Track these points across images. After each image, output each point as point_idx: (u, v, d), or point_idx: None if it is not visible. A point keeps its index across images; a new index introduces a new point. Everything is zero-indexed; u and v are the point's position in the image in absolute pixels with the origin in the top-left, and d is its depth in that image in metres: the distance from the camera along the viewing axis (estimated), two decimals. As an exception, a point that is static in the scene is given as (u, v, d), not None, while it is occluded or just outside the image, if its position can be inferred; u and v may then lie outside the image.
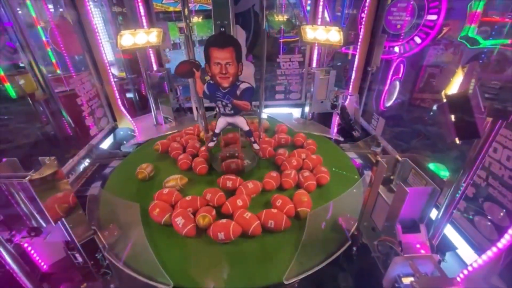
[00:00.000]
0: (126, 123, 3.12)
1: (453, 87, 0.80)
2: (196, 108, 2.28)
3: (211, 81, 1.69)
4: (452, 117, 0.77)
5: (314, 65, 2.96)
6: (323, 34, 2.45)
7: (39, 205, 1.14)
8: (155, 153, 2.37)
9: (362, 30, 2.85)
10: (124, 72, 3.62)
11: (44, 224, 1.23)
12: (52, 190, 1.21)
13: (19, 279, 1.26)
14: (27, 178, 1.08)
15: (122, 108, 3.01)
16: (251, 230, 1.50)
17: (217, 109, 1.85)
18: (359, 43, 2.88)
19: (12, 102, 3.28)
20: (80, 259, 1.44)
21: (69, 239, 1.35)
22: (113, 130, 3.08)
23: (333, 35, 2.41)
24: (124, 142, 2.80)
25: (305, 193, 1.77)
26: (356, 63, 2.92)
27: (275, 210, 1.62)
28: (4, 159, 1.21)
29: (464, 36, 4.36)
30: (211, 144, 2.03)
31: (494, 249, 1.27)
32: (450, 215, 1.19)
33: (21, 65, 2.86)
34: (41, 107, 2.86)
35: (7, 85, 2.62)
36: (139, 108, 3.59)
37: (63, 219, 1.26)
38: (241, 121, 1.88)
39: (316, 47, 2.91)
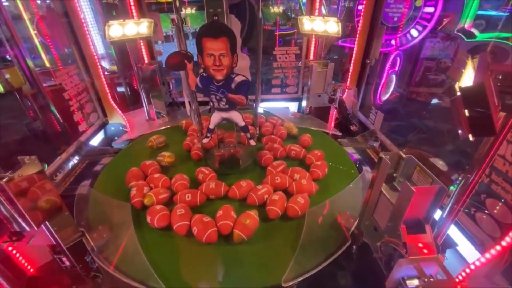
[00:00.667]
0: (118, 118, 3.01)
1: (465, 79, 0.74)
2: (189, 102, 2.19)
3: (204, 74, 1.60)
4: (466, 112, 0.71)
5: (311, 57, 2.88)
6: (321, 25, 2.37)
7: (19, 209, 1.06)
8: (148, 150, 2.29)
9: (360, 22, 2.77)
10: (116, 65, 3.49)
11: (26, 228, 1.15)
12: (33, 192, 1.12)
13: (2, 286, 1.18)
14: (3, 180, 1.00)
15: (113, 102, 2.90)
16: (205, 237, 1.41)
17: (211, 103, 1.77)
18: (357, 36, 2.80)
19: None
20: (67, 263, 1.36)
21: (54, 242, 1.27)
22: (103, 125, 2.97)
23: (331, 26, 2.33)
24: (115, 138, 2.70)
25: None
26: (354, 55, 2.84)
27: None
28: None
29: (460, 29, 4.33)
30: (205, 141, 1.95)
31: (498, 247, 1.24)
32: (456, 214, 1.15)
33: (8, 58, 2.73)
34: (29, 102, 2.74)
35: None
36: (131, 102, 3.47)
37: (46, 222, 1.18)
38: (236, 116, 1.80)
39: (314, 39, 2.82)
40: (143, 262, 1.32)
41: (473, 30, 4.38)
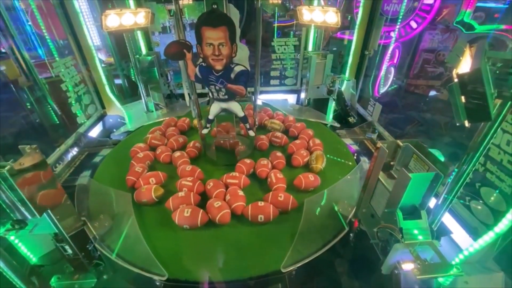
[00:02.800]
0: (116, 110, 3.00)
1: (463, 67, 0.75)
2: (188, 94, 2.19)
3: (203, 64, 1.59)
4: (463, 98, 0.72)
5: (310, 48, 2.87)
6: (320, 15, 2.35)
7: (22, 197, 1.07)
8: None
9: (359, 13, 2.76)
10: (112, 57, 3.45)
11: (29, 216, 1.16)
12: (35, 180, 1.13)
13: (6, 275, 1.20)
14: (5, 168, 1.01)
15: (110, 94, 2.89)
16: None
17: (210, 94, 1.77)
18: (356, 27, 2.79)
19: None
20: (70, 251, 1.38)
21: (56, 231, 1.29)
22: (101, 117, 2.96)
23: (331, 17, 2.31)
24: (114, 130, 2.70)
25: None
26: (353, 46, 2.83)
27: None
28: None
29: (459, 21, 4.31)
30: (204, 131, 1.96)
31: (490, 233, 1.28)
32: (451, 201, 1.18)
33: (3, 50, 2.69)
34: (25, 94, 2.72)
35: None
36: (128, 94, 3.46)
37: (49, 210, 1.20)
38: (236, 107, 1.80)
39: (312, 30, 2.81)
40: (145, 250, 1.35)
41: (473, 22, 4.36)
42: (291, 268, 1.25)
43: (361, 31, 2.76)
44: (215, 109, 1.82)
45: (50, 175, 1.21)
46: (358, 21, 2.75)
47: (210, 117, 1.87)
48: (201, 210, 1.50)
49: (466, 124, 0.77)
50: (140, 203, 1.65)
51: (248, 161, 1.92)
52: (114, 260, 1.37)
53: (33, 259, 1.53)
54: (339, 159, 2.09)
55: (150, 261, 1.30)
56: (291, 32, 3.64)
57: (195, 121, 2.41)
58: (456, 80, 0.72)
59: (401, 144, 1.13)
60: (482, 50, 0.78)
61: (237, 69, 1.58)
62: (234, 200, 1.55)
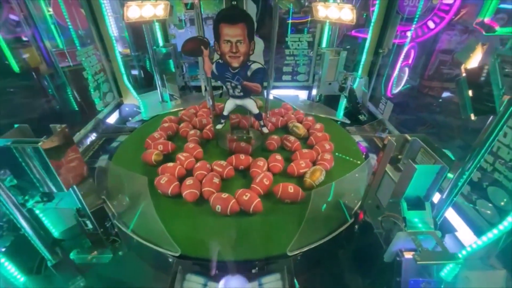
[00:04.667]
0: (132, 99, 3.11)
1: (473, 62, 0.79)
2: (205, 86, 2.27)
3: (220, 61, 1.60)
4: (470, 92, 0.75)
5: (324, 45, 2.89)
6: (335, 12, 2.37)
7: (52, 171, 1.16)
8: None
9: (375, 10, 2.75)
10: (129, 48, 3.57)
11: (56, 190, 1.26)
12: (63, 157, 1.23)
13: (34, 243, 1.31)
14: (39, 143, 1.10)
15: (127, 83, 2.99)
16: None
17: (224, 89, 1.79)
18: (371, 24, 2.79)
19: (15, 76, 3.26)
20: (90, 226, 1.49)
21: (80, 206, 1.39)
22: (118, 105, 3.08)
23: (346, 14, 2.33)
24: (130, 118, 2.81)
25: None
26: (367, 44, 2.84)
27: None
28: (16, 126, 1.23)
29: (479, 22, 4.20)
30: (218, 127, 1.98)
31: (494, 231, 1.30)
32: (455, 196, 1.21)
33: (24, 39, 2.82)
34: (46, 81, 2.85)
35: (11, 59, 2.60)
36: (143, 85, 3.57)
37: (74, 186, 1.30)
38: (251, 104, 1.81)
39: (327, 27, 2.82)
40: (160, 228, 1.43)
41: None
42: (296, 252, 1.31)
43: (376, 29, 2.76)
44: (230, 105, 1.83)
45: (76, 153, 1.31)
46: (373, 19, 2.74)
47: (225, 113, 1.88)
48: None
49: (472, 117, 0.80)
50: (145, 162, 1.92)
51: (243, 157, 1.89)
52: (130, 236, 1.47)
53: (55, 233, 1.65)
54: (347, 157, 2.07)
55: (164, 238, 1.38)
56: (305, 29, 3.65)
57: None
58: (464, 75, 0.76)
59: (409, 138, 1.16)
60: (493, 47, 0.81)
61: (254, 66, 1.58)
62: (209, 184, 1.64)
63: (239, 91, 1.70)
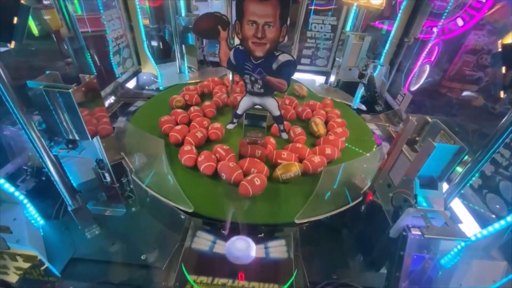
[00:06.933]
0: (150, 68, 3.13)
1: (510, 38, 0.78)
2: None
3: (240, 47, 1.29)
4: (504, 68, 0.75)
5: (348, 29, 2.83)
6: (364, -6, 2.31)
7: (79, 118, 1.21)
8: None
9: (405, -3, 2.65)
10: (148, 19, 3.56)
11: (80, 139, 1.32)
12: (91, 106, 1.28)
13: (57, 186, 1.38)
14: (70, 89, 1.14)
15: (147, 51, 3.01)
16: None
17: (243, 83, 1.46)
18: (400, 12, 2.69)
19: (34, 39, 3.30)
20: (108, 179, 1.55)
21: (101, 157, 1.45)
22: (137, 73, 3.11)
23: (375, -3, 2.27)
24: (146, 87, 2.85)
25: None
26: (393, 33, 2.76)
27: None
28: (47, 72, 1.27)
29: (509, 24, 4.01)
30: (230, 127, 1.73)
31: (501, 222, 1.31)
32: (466, 183, 1.22)
33: (45, 2, 2.83)
34: (66, 45, 2.87)
35: (30, 21, 2.60)
36: (161, 56, 3.58)
37: (98, 136, 1.35)
38: (271, 104, 1.48)
39: (353, 12, 2.75)
40: (174, 186, 1.49)
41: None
42: (304, 221, 1.36)
43: (404, 17, 2.67)
44: (245, 103, 1.52)
45: (102, 105, 1.35)
46: (402, 6, 2.66)
47: (239, 112, 1.58)
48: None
49: (501, 95, 0.80)
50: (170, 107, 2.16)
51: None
52: (144, 193, 1.53)
53: (73, 184, 1.73)
54: (360, 150, 2.00)
55: (178, 195, 1.44)
56: (329, 13, 3.56)
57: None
58: (500, 49, 0.75)
59: (430, 120, 1.16)
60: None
61: (282, 58, 1.27)
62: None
63: (259, 87, 1.40)
